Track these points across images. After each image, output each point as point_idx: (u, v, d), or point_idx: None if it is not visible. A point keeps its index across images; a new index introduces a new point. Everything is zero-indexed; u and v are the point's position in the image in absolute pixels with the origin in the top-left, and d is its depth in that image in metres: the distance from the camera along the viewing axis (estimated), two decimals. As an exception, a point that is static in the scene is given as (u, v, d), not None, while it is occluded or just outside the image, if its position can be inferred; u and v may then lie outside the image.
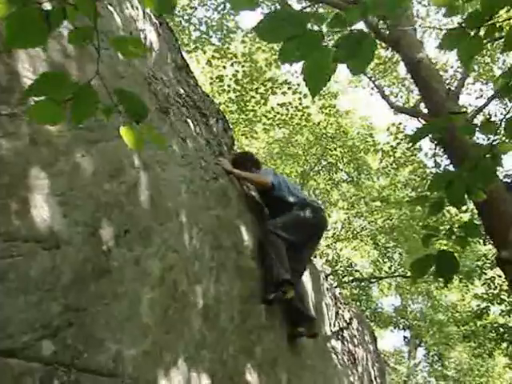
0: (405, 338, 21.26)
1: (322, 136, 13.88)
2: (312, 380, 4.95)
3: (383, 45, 9.99)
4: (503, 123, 2.09)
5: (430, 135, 2.18)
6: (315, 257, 16.94)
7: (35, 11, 1.34)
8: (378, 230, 15.53)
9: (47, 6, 1.41)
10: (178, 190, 3.66)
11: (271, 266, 4.49)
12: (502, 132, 2.14)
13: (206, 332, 3.34)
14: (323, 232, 5.43)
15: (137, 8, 5.20)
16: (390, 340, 44.24)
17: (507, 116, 2.08)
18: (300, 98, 12.33)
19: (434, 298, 17.82)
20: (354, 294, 17.16)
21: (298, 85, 12.05)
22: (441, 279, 2.48)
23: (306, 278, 6.01)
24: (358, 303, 16.20)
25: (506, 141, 2.19)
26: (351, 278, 17.56)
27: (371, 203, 14.85)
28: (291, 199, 5.08)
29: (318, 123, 13.91)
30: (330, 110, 13.49)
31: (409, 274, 15.34)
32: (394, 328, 16.43)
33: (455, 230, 2.43)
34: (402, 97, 13.70)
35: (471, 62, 1.97)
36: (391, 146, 12.91)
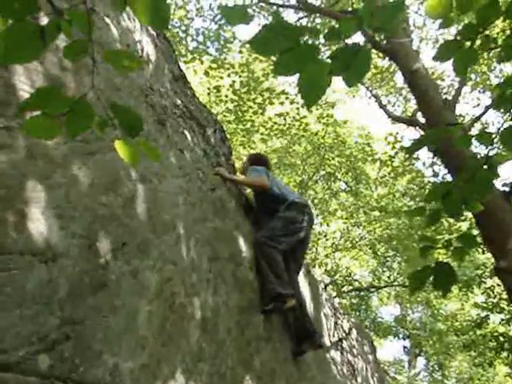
0: (404, 347, 21.19)
1: (319, 146, 13.90)
2: (311, 391, 4.93)
3: (380, 55, 10.03)
4: (499, 133, 2.09)
5: (428, 145, 2.19)
6: (314, 266, 16.95)
7: (30, 26, 1.34)
8: (376, 239, 15.53)
9: (42, 21, 1.42)
10: (176, 202, 3.65)
11: (266, 278, 4.48)
12: (499, 142, 2.14)
13: (204, 344, 3.32)
14: (312, 227, 5.41)
15: (133, 20, 5.22)
16: (390, 349, 44.10)
17: (504, 126, 2.08)
18: (298, 108, 12.35)
19: (433, 307, 17.78)
20: (354, 304, 17.13)
21: (296, 95, 12.07)
22: (439, 290, 2.47)
23: (305, 288, 6.00)
24: (357, 313, 16.15)
25: (503, 151, 2.20)
26: (350, 287, 17.55)
27: (370, 213, 14.84)
28: (282, 196, 5.18)
29: (316, 133, 13.93)
30: (327, 120, 13.51)
31: (408, 283, 15.31)
32: (394, 337, 16.37)
33: (453, 241, 2.43)
34: (399, 106, 13.77)
35: (466, 72, 1.97)
36: (389, 156, 12.93)
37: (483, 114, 7.22)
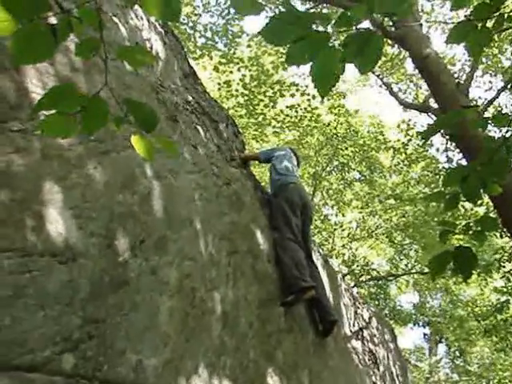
0: (425, 335, 21.11)
1: (332, 136, 13.83)
2: (334, 381, 4.92)
3: (389, 42, 9.95)
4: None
5: (442, 130, 2.16)
6: (331, 257, 16.92)
7: (41, 26, 1.34)
8: (393, 227, 15.45)
9: (51, 21, 1.41)
10: (191, 198, 3.66)
11: (289, 273, 4.48)
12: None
13: (226, 338, 3.33)
14: (308, 211, 5.40)
15: (141, 18, 5.22)
16: (410, 337, 43.95)
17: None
18: (309, 100, 12.29)
19: (452, 294, 17.68)
20: (372, 293, 17.07)
21: (306, 86, 12.00)
22: (460, 275, 2.45)
23: (324, 278, 5.99)
24: (376, 302, 16.10)
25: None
26: (368, 276, 17.49)
27: (385, 201, 14.76)
28: (279, 178, 5.40)
29: (328, 124, 13.86)
30: (339, 110, 13.43)
31: (426, 270, 15.24)
32: (414, 325, 16.31)
33: (472, 224, 2.41)
34: (410, 93, 13.63)
35: (480, 54, 1.94)
36: (402, 143, 12.83)
37: (496, 97, 7.12)
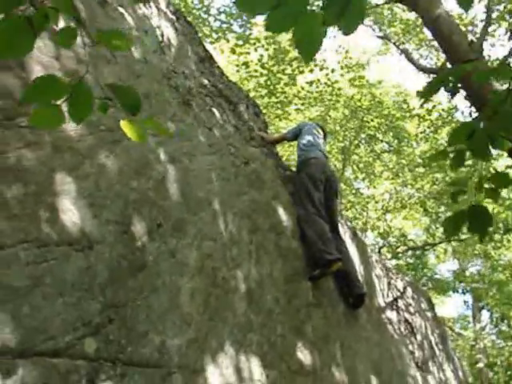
0: (465, 302, 20.88)
1: (357, 109, 13.69)
2: (368, 352, 4.92)
3: (401, 6, 9.73)
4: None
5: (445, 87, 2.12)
6: (366, 231, 16.83)
7: (20, 19, 1.36)
8: (426, 196, 15.27)
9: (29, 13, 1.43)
10: (209, 179, 3.68)
11: (314, 247, 4.49)
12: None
13: (252, 315, 3.36)
14: (333, 184, 5.37)
15: (150, 6, 5.24)
16: (454, 306, 43.57)
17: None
18: (327, 74, 12.16)
19: (492, 259, 17.40)
20: (410, 264, 16.92)
21: (324, 60, 11.88)
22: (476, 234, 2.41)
23: (353, 251, 5.97)
24: (414, 272, 15.97)
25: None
26: (405, 247, 17.36)
27: (415, 170, 14.58)
28: (304, 153, 5.46)
29: (352, 97, 13.72)
30: (359, 82, 13.27)
31: (463, 237, 15.04)
32: (453, 293, 16.15)
33: (483, 182, 2.36)
34: (432, 58, 13.38)
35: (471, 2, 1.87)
36: (427, 109, 12.61)
37: (510, 54, 6.88)
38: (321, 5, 1.50)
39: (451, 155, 2.30)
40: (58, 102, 1.46)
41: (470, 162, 11.61)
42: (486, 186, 2.38)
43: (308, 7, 1.49)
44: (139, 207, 2.86)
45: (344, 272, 4.84)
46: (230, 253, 3.43)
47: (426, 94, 2.13)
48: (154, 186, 3.06)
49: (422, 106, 11.14)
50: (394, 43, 12.10)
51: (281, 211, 4.49)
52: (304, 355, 3.73)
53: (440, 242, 17.09)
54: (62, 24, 3.01)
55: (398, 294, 6.93)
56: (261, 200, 4.28)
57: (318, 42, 1.52)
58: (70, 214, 2.45)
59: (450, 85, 2.09)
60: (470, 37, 6.77)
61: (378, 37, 13.48)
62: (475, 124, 2.17)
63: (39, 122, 1.52)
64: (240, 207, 3.87)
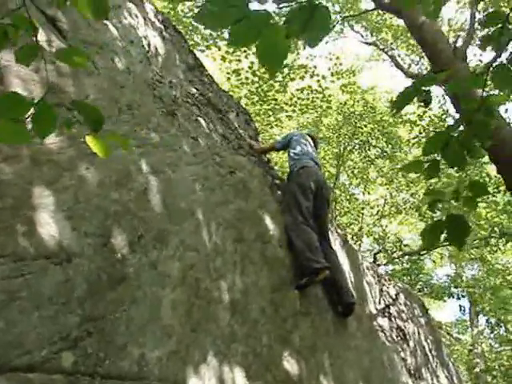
0: (461, 307, 20.85)
1: (349, 115, 13.72)
2: (357, 360, 4.91)
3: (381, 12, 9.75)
4: (489, 74, 2.01)
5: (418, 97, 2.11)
6: (362, 236, 16.82)
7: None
8: (420, 201, 15.27)
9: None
10: (193, 189, 3.68)
11: (302, 255, 4.48)
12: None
13: (236, 326, 3.35)
14: (324, 191, 5.33)
15: (136, 16, 5.24)
16: (451, 310, 43.55)
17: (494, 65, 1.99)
18: (318, 81, 12.19)
19: (488, 263, 17.39)
20: (407, 269, 16.89)
21: (315, 67, 11.90)
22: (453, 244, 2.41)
23: (343, 258, 5.96)
24: (410, 277, 15.96)
25: (497, 92, 2.11)
26: (401, 252, 17.34)
27: (408, 175, 14.59)
28: (295, 161, 5.46)
29: (345, 103, 13.75)
30: (350, 88, 13.30)
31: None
32: (448, 298, 16.10)
33: (460, 191, 2.36)
34: (424, 64, 13.40)
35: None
36: (418, 115, 12.65)
37: (494, 59, 6.86)
38: (284, 18, 1.51)
39: (425, 165, 2.30)
40: (23, 119, 1.46)
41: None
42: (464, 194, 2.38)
43: (271, 21, 1.49)
44: (120, 219, 2.86)
45: (333, 280, 4.83)
46: (213, 263, 3.42)
47: (399, 104, 2.13)
48: (136, 198, 3.05)
49: (394, 115, 11.18)
50: (383, 49, 12.14)
51: (267, 220, 4.49)
52: (290, 365, 3.71)
53: (436, 247, 17.08)
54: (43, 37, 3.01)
55: (390, 300, 6.92)
56: (247, 209, 4.27)
57: (283, 55, 1.53)
58: (48, 227, 2.44)
59: (423, 94, 2.09)
60: (460, 42, 6.75)
61: (366, 43, 13.54)
62: (450, 133, 2.17)
63: (5, 138, 1.52)
64: (225, 217, 3.86)
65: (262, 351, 3.49)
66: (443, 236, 2.45)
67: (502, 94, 2.15)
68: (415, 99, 2.10)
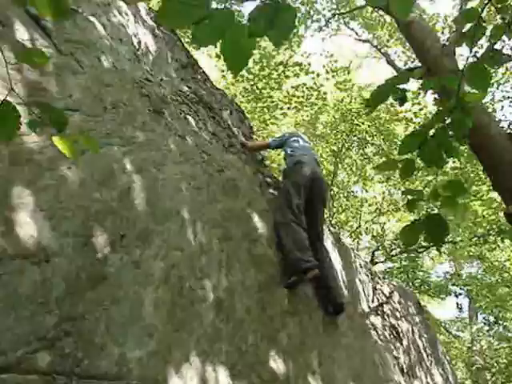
0: (457, 304, 20.83)
1: (346, 112, 13.70)
2: (348, 359, 4.89)
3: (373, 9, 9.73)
4: (463, 73, 1.99)
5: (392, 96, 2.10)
6: (360, 233, 16.80)
7: None
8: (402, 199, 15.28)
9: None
10: (178, 188, 3.67)
11: (290, 254, 4.45)
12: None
13: (221, 325, 3.34)
14: (318, 180, 5.29)
15: (126, 14, 5.22)
16: (451, 308, 43.48)
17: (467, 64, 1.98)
18: (313, 78, 12.18)
19: (487, 260, 17.37)
20: (404, 266, 16.88)
21: (309, 64, 11.89)
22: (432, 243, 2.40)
23: (335, 256, 5.95)
24: (407, 275, 15.94)
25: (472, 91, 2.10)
26: (399, 250, 17.33)
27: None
28: (292, 158, 5.44)
29: (342, 100, 13.73)
30: (345, 86, 13.27)
31: (458, 239, 15.02)
32: (446, 295, 16.09)
33: (439, 190, 2.35)
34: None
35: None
36: (414, 113, 12.63)
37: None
38: (247, 17, 1.49)
39: (400, 165, 2.29)
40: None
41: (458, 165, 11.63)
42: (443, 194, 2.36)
43: (235, 19, 1.48)
44: (102, 218, 2.85)
45: (323, 279, 4.81)
46: (198, 262, 3.41)
47: (373, 102, 2.12)
48: (119, 197, 3.05)
49: (367, 114, 11.16)
50: (376, 46, 12.12)
51: (256, 218, 4.48)
52: (277, 364, 3.71)
53: (434, 245, 17.05)
54: (26, 35, 2.99)
55: (384, 298, 6.90)
56: (235, 208, 4.26)
57: (247, 54, 1.52)
58: (27, 227, 2.44)
59: (398, 92, 2.08)
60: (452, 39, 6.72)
61: (361, 40, 13.51)
62: (426, 132, 2.16)
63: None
64: (211, 216, 3.85)
65: (247, 350, 3.48)
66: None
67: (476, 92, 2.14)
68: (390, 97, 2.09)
